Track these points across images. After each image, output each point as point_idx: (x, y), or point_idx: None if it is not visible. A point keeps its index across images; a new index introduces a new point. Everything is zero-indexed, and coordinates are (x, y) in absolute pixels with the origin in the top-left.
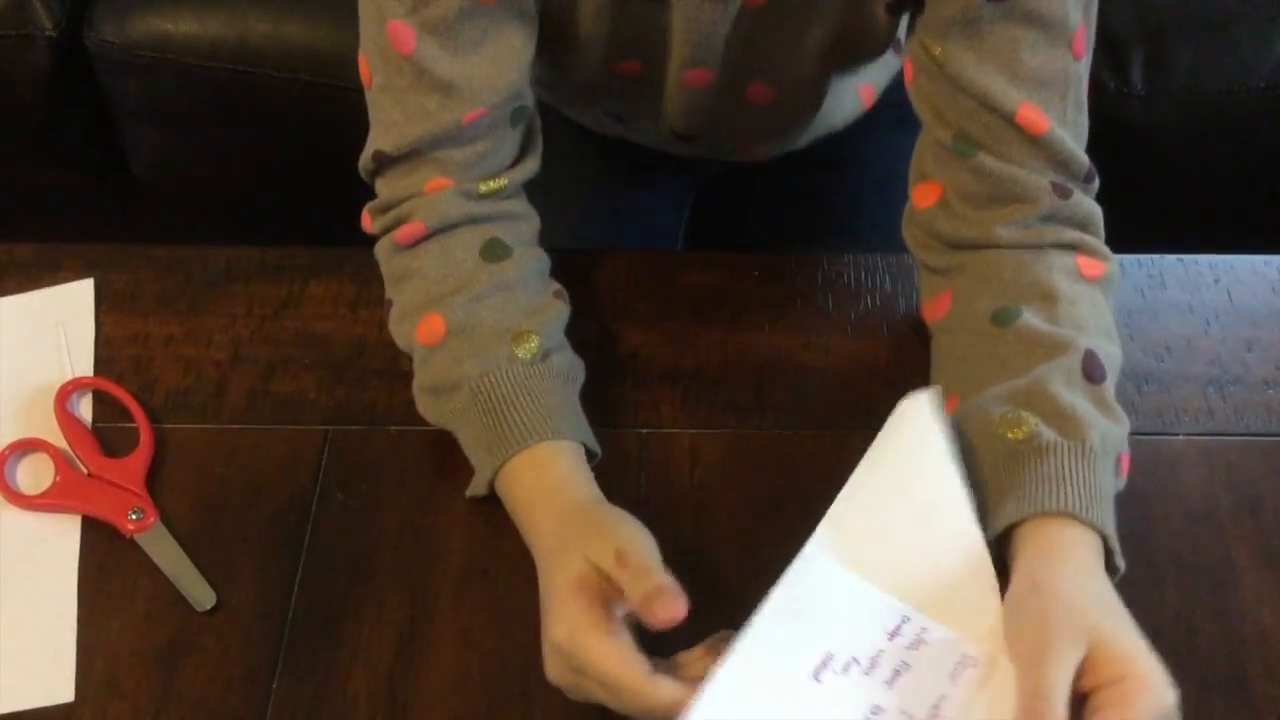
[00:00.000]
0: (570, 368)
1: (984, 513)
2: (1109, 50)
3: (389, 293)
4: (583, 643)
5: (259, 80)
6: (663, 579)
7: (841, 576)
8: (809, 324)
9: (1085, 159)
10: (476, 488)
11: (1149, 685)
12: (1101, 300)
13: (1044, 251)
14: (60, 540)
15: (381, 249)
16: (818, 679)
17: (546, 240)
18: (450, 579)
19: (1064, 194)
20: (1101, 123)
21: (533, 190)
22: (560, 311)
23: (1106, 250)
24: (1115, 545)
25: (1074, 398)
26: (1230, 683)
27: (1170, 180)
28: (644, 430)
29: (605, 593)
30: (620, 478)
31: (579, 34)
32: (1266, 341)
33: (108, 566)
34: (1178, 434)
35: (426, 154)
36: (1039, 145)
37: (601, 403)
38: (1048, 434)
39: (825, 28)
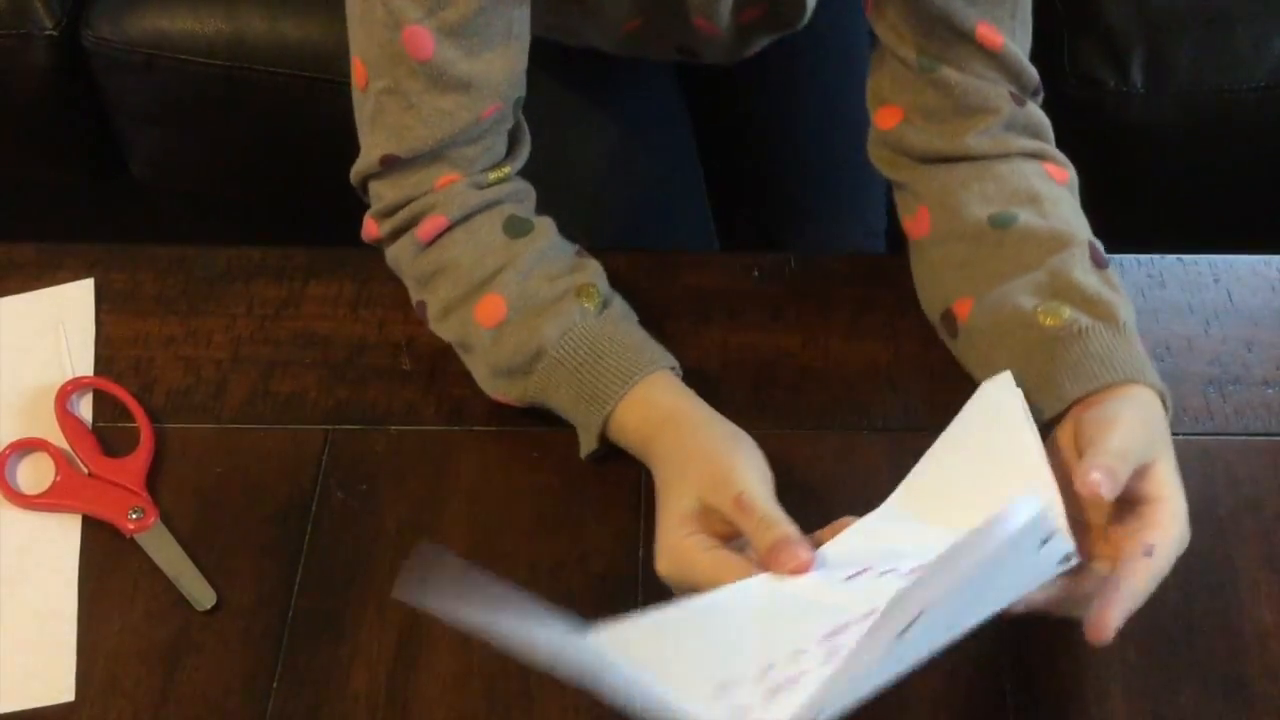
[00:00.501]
0: (627, 308)
1: (1028, 397)
2: (1109, 50)
3: (418, 295)
4: (687, 568)
5: (256, 77)
6: (785, 528)
7: (908, 523)
8: (809, 324)
9: (1034, 72)
10: (588, 444)
11: (1180, 517)
12: (1074, 200)
13: (1014, 160)
14: (60, 540)
15: (402, 251)
16: (849, 581)
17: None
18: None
19: (1020, 102)
20: (1101, 122)
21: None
22: (596, 264)
23: (1064, 158)
24: (1169, 401)
25: (1095, 283)
26: (1230, 683)
27: (1170, 180)
28: None
29: (712, 526)
30: (621, 475)
31: (599, 5)
32: (1266, 341)
33: (108, 566)
34: (1178, 434)
35: (441, 154)
36: (996, 59)
37: None
38: (1083, 319)
39: None
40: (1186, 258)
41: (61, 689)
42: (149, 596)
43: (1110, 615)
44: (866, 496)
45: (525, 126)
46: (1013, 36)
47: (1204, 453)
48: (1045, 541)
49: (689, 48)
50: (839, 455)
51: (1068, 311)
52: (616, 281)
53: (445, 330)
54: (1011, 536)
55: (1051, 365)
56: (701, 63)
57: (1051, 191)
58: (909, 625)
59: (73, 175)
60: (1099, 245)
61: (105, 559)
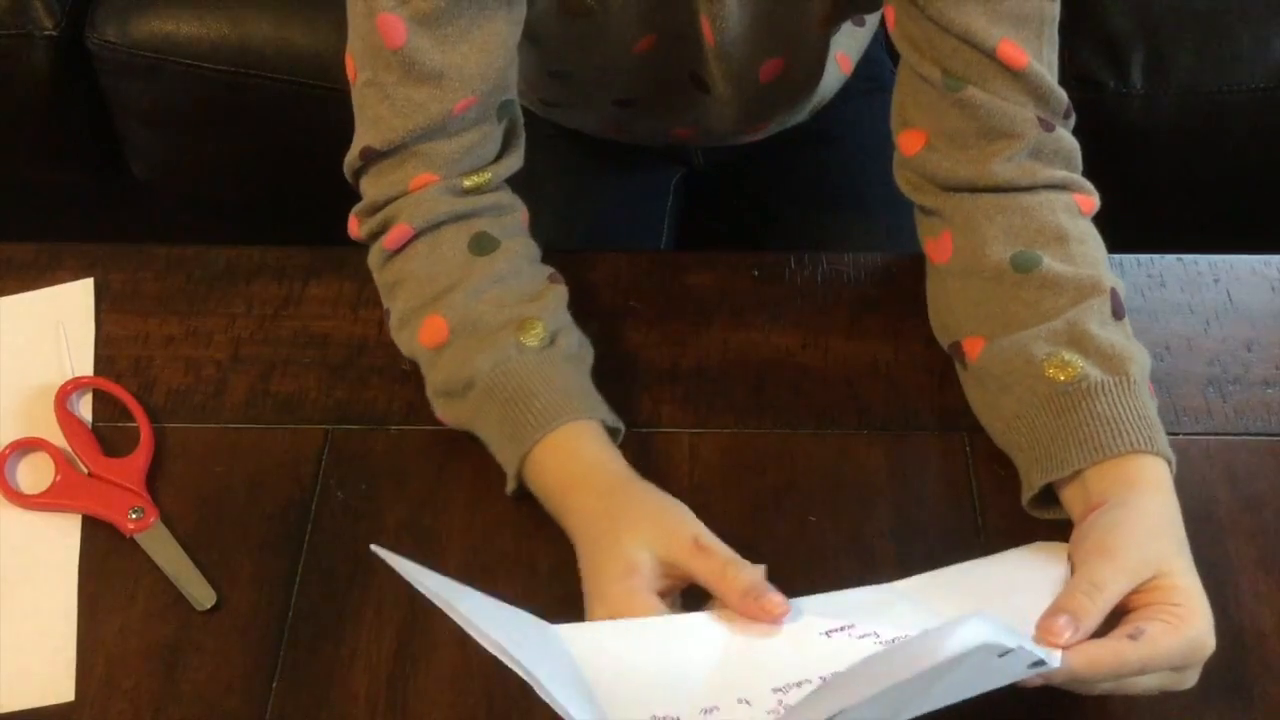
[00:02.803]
0: (579, 348)
1: (1032, 452)
2: (1109, 50)
3: (385, 302)
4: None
5: (260, 82)
6: (754, 574)
7: (907, 600)
8: (809, 324)
9: (1063, 94)
10: (510, 484)
11: (1197, 622)
12: (1098, 235)
13: (1041, 192)
14: (60, 540)
15: (373, 258)
16: (828, 635)
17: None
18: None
19: (1048, 128)
20: (1101, 123)
21: (514, 187)
22: (559, 294)
23: (1091, 185)
24: (1173, 462)
25: (1110, 334)
26: (1230, 683)
27: (1170, 180)
28: (644, 430)
29: (653, 577)
30: None
31: (601, 7)
32: (1266, 341)
33: (108, 566)
34: (1178, 434)
35: (414, 147)
36: (1020, 79)
37: None
38: (1095, 374)
39: None
40: (1186, 258)
41: (61, 689)
42: (149, 596)
43: (1065, 639)
44: (866, 496)
45: (521, 134)
46: (1038, 56)
47: (1204, 453)
48: (1004, 654)
49: (695, 101)
50: (839, 455)
51: (1079, 364)
52: (616, 282)
53: (400, 343)
54: (947, 658)
55: (1057, 426)
56: (693, 144)
57: (1078, 229)
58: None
59: (73, 175)
60: (1121, 291)
61: (105, 559)
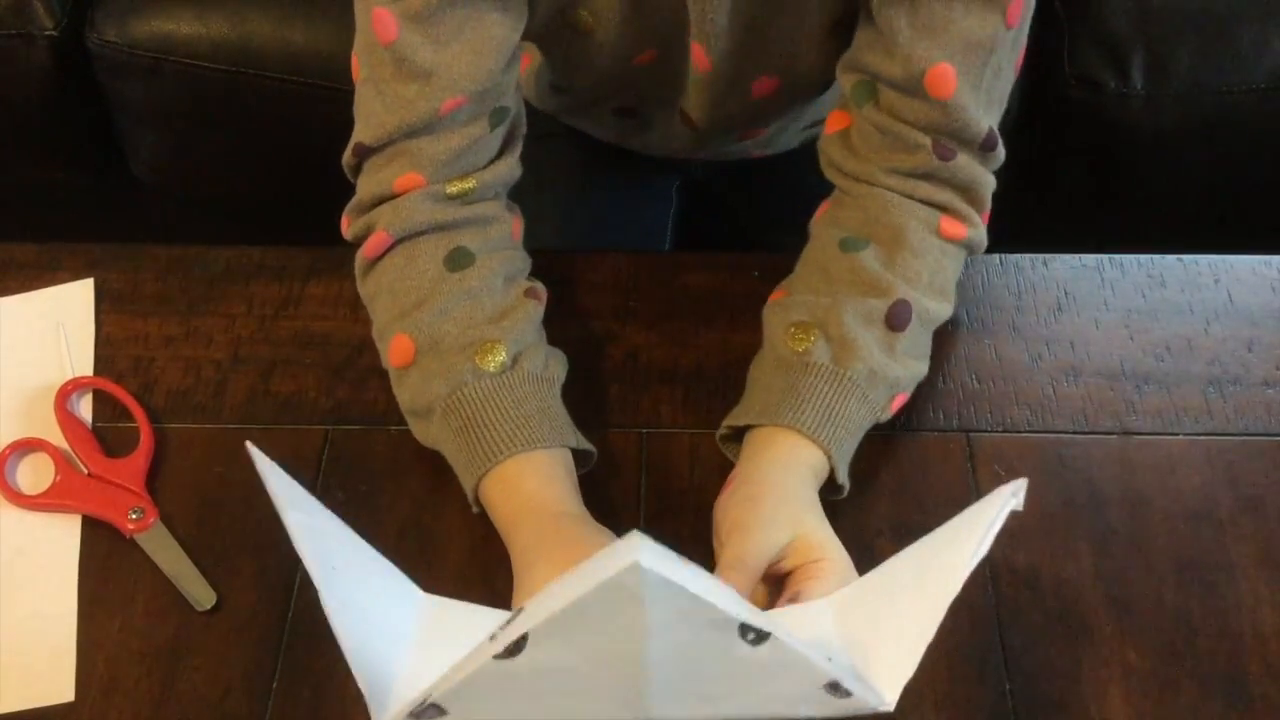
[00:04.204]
0: (545, 369)
1: (742, 400)
2: (1109, 50)
3: (369, 311)
4: None
5: (260, 82)
6: None
7: (823, 616)
8: None
9: (985, 127)
10: (472, 507)
11: (839, 568)
12: (950, 261)
13: (913, 203)
14: (60, 540)
15: (357, 267)
16: None
17: (530, 241)
18: (450, 579)
19: (945, 156)
20: (1101, 123)
21: (516, 191)
22: (530, 311)
23: (977, 218)
24: (837, 464)
25: (862, 333)
26: (1230, 683)
27: (1170, 180)
28: (644, 430)
29: None
30: (620, 478)
31: (600, 27)
32: (1266, 341)
33: (108, 566)
34: (1178, 434)
35: (401, 144)
36: (937, 107)
37: (601, 403)
38: (821, 355)
39: (826, 6)
40: (1186, 258)
41: (61, 689)
42: (149, 596)
43: None
44: (866, 496)
45: (519, 144)
46: (975, 85)
47: (1204, 453)
48: (756, 641)
49: (695, 123)
50: None
51: (812, 341)
52: (616, 282)
53: (381, 354)
54: (605, 583)
55: (758, 384)
56: (698, 156)
57: (922, 242)
58: (513, 645)
59: (73, 175)
60: (917, 307)
61: (105, 559)
